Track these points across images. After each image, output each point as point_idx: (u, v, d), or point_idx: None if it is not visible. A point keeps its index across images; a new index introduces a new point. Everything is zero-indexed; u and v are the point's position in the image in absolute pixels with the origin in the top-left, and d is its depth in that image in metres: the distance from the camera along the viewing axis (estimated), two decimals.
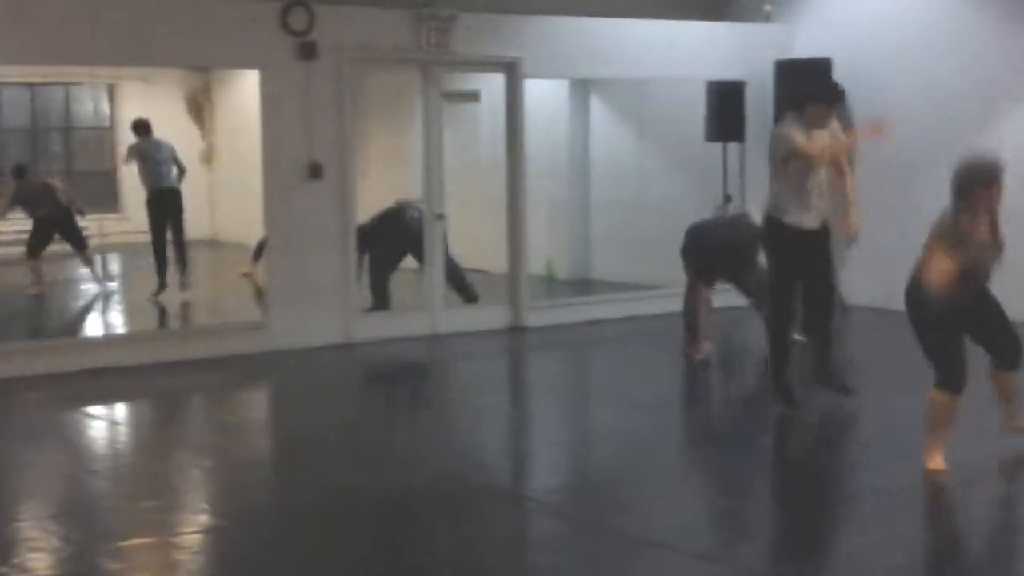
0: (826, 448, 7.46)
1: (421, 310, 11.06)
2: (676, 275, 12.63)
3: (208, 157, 16.90)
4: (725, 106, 12.24)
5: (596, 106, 13.99)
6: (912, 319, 6.50)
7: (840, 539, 5.84)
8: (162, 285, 12.55)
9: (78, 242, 12.97)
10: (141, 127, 12.87)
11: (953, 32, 11.48)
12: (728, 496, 6.53)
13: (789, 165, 7.72)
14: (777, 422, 8.18)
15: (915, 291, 6.46)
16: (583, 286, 13.51)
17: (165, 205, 12.71)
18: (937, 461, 6.49)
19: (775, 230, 7.87)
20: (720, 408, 8.80)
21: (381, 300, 11.32)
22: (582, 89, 13.84)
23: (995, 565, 5.41)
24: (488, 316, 11.31)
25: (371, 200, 11.59)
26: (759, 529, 6.01)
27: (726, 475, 6.97)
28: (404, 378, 9.99)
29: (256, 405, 9.09)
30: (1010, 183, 6.71)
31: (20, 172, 13.06)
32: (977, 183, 6.32)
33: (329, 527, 5.92)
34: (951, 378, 6.41)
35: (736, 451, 7.44)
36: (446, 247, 11.20)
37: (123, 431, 8.26)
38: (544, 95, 12.72)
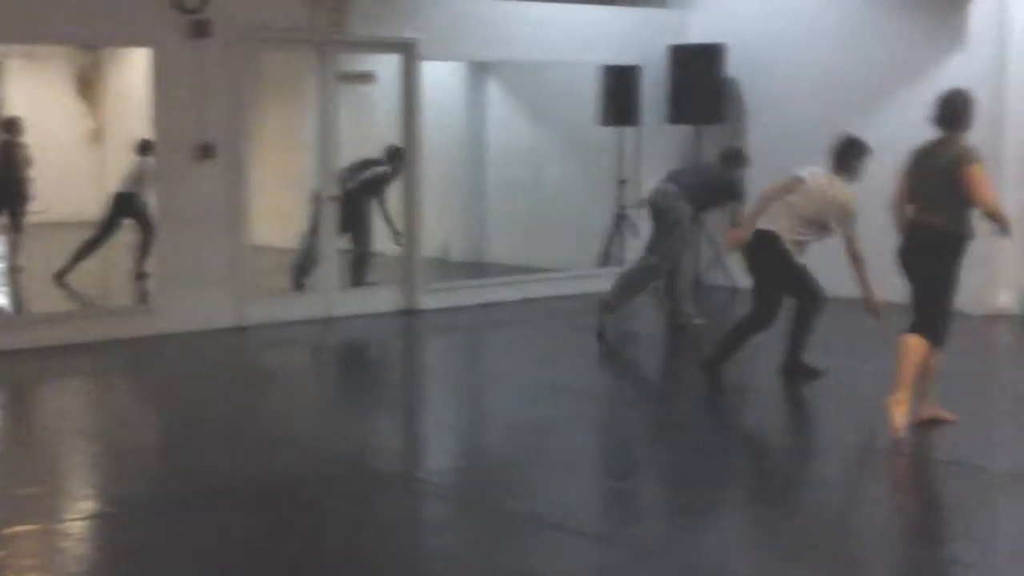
0: (722, 428, 7.56)
1: (315, 292, 10.97)
2: (571, 258, 12.78)
3: (97, 137, 16.57)
4: (619, 90, 12.33)
5: (493, 89, 13.98)
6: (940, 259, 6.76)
7: (733, 518, 5.91)
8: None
9: None
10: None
11: (845, 22, 11.67)
12: (622, 477, 6.60)
13: None
14: (672, 403, 8.28)
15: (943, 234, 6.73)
16: (478, 268, 13.51)
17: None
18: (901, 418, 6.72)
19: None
20: (616, 390, 8.86)
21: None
22: (479, 72, 13.83)
23: (884, 543, 5.53)
24: (383, 298, 11.26)
25: (265, 182, 11.46)
26: (653, 509, 6.07)
27: (621, 456, 7.03)
28: (296, 361, 9.90)
29: (141, 390, 8.93)
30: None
31: None
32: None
33: (218, 514, 5.86)
34: (939, 329, 6.81)
35: (631, 432, 7.52)
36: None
37: (0, 416, 8.09)
38: (441, 77, 12.68)
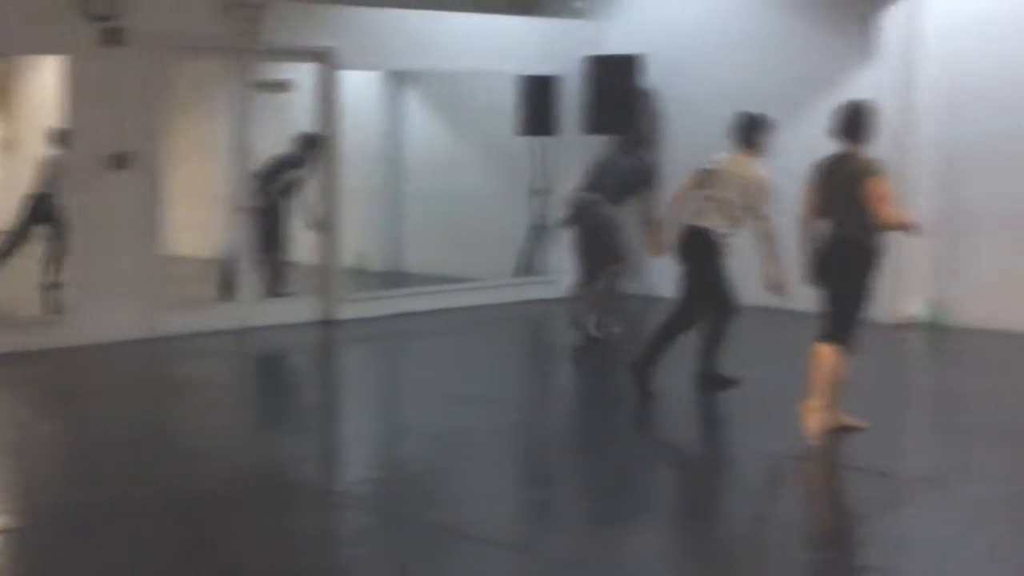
0: (639, 438, 7.61)
1: (230, 303, 10.88)
2: (489, 268, 12.79)
3: (9, 146, 16.27)
4: (536, 101, 12.38)
5: (411, 98, 13.98)
6: (852, 271, 6.86)
7: (652, 527, 5.96)
8: None
9: None
10: None
11: (760, 33, 11.82)
12: (542, 487, 6.62)
13: None
14: (587, 413, 8.33)
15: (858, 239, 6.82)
16: (396, 278, 13.49)
17: None
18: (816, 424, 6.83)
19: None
20: (532, 399, 8.89)
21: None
22: (397, 81, 13.81)
23: (797, 549, 5.60)
24: (299, 309, 11.20)
25: (181, 191, 11.35)
26: (572, 519, 6.10)
27: (538, 465, 7.06)
28: (212, 373, 9.79)
29: (52, 402, 8.79)
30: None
31: None
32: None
33: (133, 527, 5.79)
34: (850, 337, 6.90)
35: (548, 442, 7.55)
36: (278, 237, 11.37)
37: None
38: (359, 86, 12.65)
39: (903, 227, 6.89)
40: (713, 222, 7.99)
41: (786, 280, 7.83)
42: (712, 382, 8.22)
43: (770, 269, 7.90)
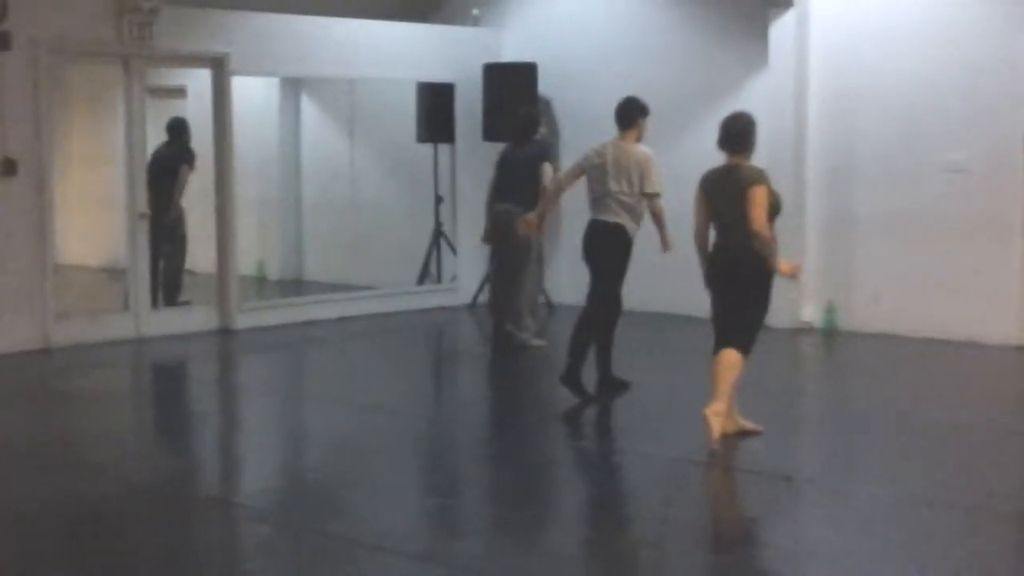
0: (540, 444, 7.61)
1: (125, 312, 10.68)
2: (390, 275, 12.74)
3: None
4: (435, 108, 12.37)
5: (307, 105, 13.87)
6: (751, 279, 6.96)
7: (554, 533, 5.96)
8: None
9: None
10: None
11: (654, 42, 11.93)
12: (443, 495, 6.58)
13: None
14: (491, 420, 8.32)
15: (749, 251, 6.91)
16: (295, 287, 13.37)
17: None
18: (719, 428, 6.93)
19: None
20: (435, 407, 8.86)
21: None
22: (293, 87, 13.69)
23: (697, 552, 5.64)
24: (196, 318, 11.04)
25: (75, 198, 11.14)
26: (474, 527, 6.08)
27: (442, 474, 7.03)
28: (105, 384, 9.59)
29: None
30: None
31: None
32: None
33: (26, 542, 5.65)
34: (753, 342, 7.04)
35: (452, 450, 7.52)
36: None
37: None
38: (254, 92, 12.53)
39: (764, 239, 6.95)
40: (622, 219, 8.13)
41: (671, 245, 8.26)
42: (610, 386, 8.29)
43: (664, 237, 8.24)
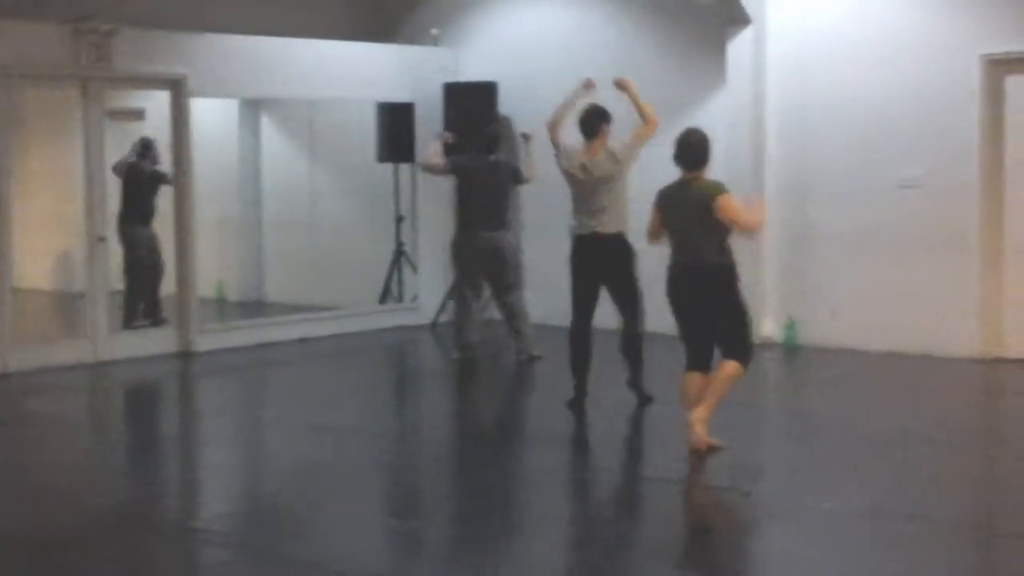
0: (501, 463, 7.60)
1: (82, 337, 10.60)
2: (352, 295, 12.71)
3: None
4: (395, 127, 12.36)
5: (267, 126, 13.84)
6: (720, 294, 7.06)
7: (513, 552, 5.95)
8: None
9: None
10: None
11: (614, 61, 11.94)
12: (405, 516, 6.56)
13: None
14: (453, 439, 8.30)
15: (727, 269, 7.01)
16: (256, 308, 13.31)
17: None
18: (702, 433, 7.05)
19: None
20: (399, 428, 8.83)
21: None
22: (252, 109, 13.66)
23: (652, 570, 5.65)
24: (155, 341, 10.98)
25: (33, 221, 11.05)
26: (436, 548, 6.06)
27: (404, 495, 7.00)
28: (62, 409, 9.50)
29: None
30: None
31: None
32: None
33: None
34: (751, 350, 7.12)
35: (414, 471, 7.50)
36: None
37: None
38: (213, 113, 12.49)
39: (761, 225, 7.12)
40: (620, 226, 8.31)
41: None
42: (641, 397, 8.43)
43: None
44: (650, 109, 8.40)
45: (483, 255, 10.14)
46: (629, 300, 8.39)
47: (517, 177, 10.33)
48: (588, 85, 8.87)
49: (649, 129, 8.35)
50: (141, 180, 11.55)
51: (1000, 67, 9.92)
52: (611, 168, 8.36)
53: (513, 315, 10.17)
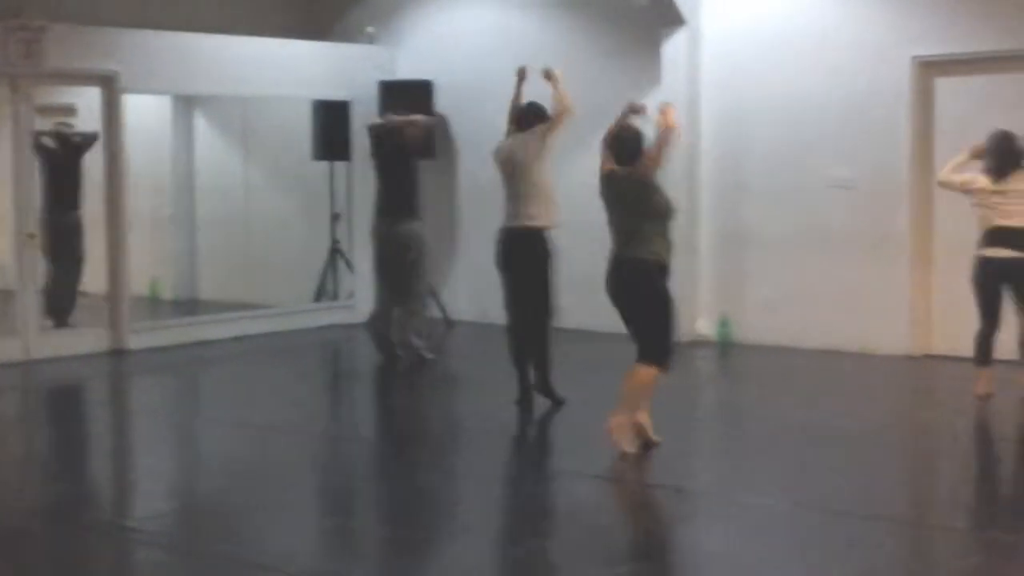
0: (440, 462, 7.60)
1: (12, 335, 10.45)
2: (287, 293, 12.64)
3: None
4: (331, 125, 12.31)
5: (201, 123, 13.71)
6: (651, 294, 7.03)
7: (453, 551, 5.96)
8: None
9: None
10: None
11: (548, 58, 11.93)
12: (340, 515, 6.54)
13: None
14: (388, 438, 8.29)
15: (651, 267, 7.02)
16: (189, 306, 13.19)
17: None
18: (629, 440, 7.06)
19: None
20: (333, 427, 8.80)
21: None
22: (186, 105, 13.53)
23: (590, 567, 5.68)
24: (87, 339, 10.85)
25: None
26: (370, 547, 6.05)
27: (338, 494, 6.98)
28: None
29: None
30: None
31: None
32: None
33: None
34: (669, 353, 7.07)
35: (348, 470, 7.48)
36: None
37: None
38: (146, 110, 12.36)
39: (672, 132, 7.26)
40: (539, 221, 8.27)
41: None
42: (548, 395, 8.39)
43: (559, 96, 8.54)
44: (568, 98, 8.45)
45: (386, 244, 10.12)
46: (536, 298, 8.33)
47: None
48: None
49: (562, 117, 8.39)
50: (68, 151, 11.27)
51: (930, 69, 10.07)
52: (523, 155, 8.33)
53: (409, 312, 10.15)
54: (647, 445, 7.20)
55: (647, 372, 7.08)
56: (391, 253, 10.02)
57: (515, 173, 8.33)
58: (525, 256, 8.29)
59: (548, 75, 8.52)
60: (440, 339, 11.35)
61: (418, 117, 10.37)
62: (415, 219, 10.09)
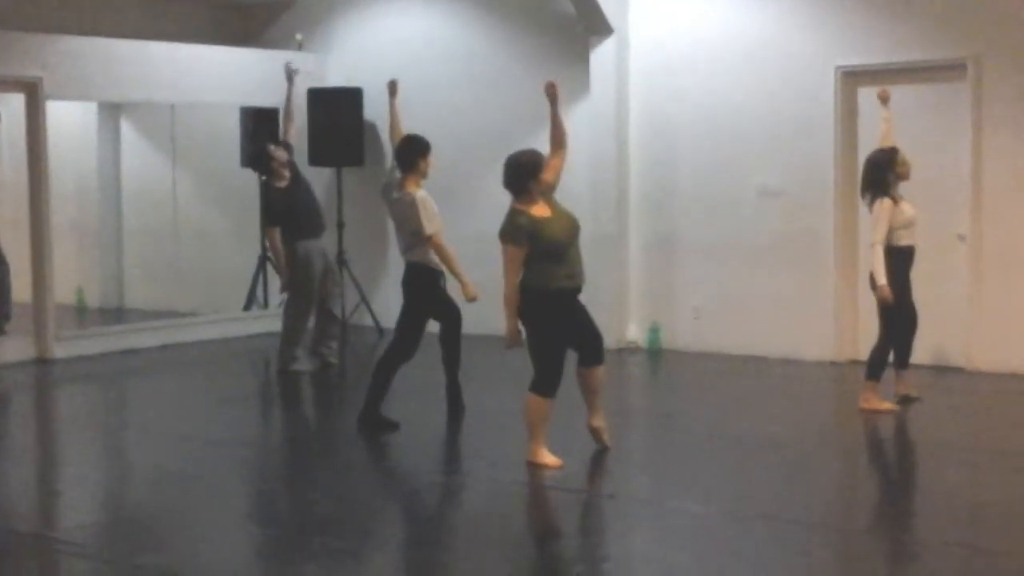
0: (365, 471, 7.58)
1: None
2: (216, 302, 12.54)
3: None
4: (259, 132, 12.24)
5: (127, 130, 13.58)
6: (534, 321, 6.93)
7: (380, 561, 5.94)
8: None
9: None
10: None
11: (479, 68, 12.05)
12: (267, 525, 6.50)
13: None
14: (314, 447, 8.24)
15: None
16: (116, 314, 13.06)
17: None
18: (543, 455, 7.03)
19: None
20: (261, 436, 8.74)
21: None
22: (112, 112, 13.39)
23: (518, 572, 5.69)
24: (10, 348, 10.70)
25: None
26: (298, 556, 6.00)
27: (265, 504, 6.93)
28: None
29: None
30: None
31: None
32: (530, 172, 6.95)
33: None
34: (552, 382, 6.94)
35: (276, 479, 7.43)
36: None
37: None
38: (71, 117, 12.22)
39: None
40: (419, 254, 8.12)
41: (473, 293, 8.11)
42: (372, 424, 8.19)
43: (461, 286, 8.11)
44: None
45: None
46: (397, 325, 8.28)
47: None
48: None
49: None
50: None
51: (854, 79, 10.22)
52: (410, 220, 8.07)
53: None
54: (601, 449, 7.34)
55: (528, 398, 7.09)
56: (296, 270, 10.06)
57: (403, 227, 8.21)
58: (407, 285, 8.25)
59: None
60: (373, 347, 11.33)
61: (276, 150, 10.23)
62: (311, 237, 10.09)
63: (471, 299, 8.11)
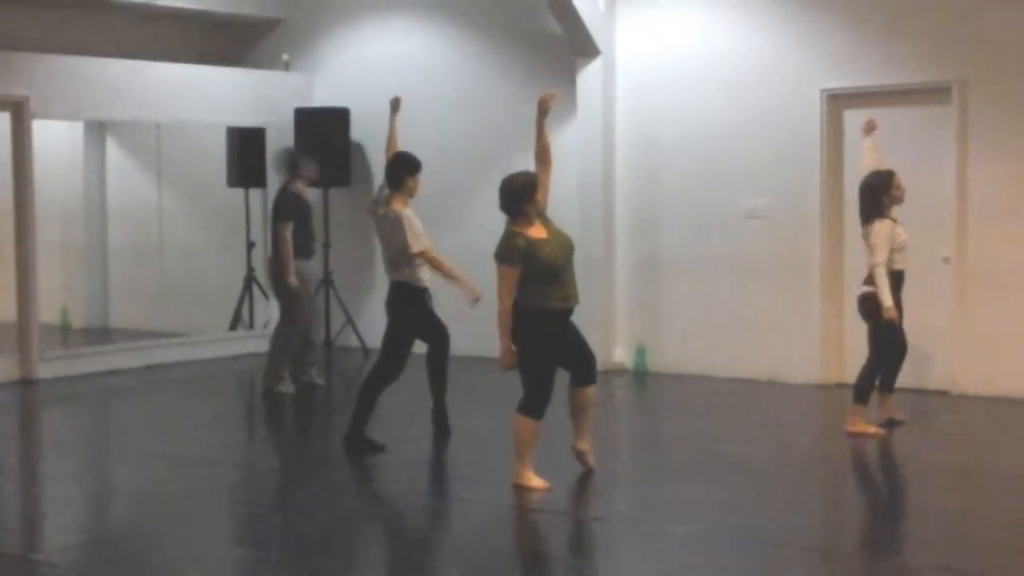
0: (351, 492, 7.55)
1: None
2: (200, 322, 12.51)
3: None
4: (246, 152, 12.25)
5: (113, 149, 13.56)
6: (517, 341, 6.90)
7: None
8: None
9: None
10: None
11: (466, 88, 12.07)
12: (252, 545, 6.47)
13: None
14: (300, 468, 8.22)
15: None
16: (101, 335, 13.01)
17: None
18: (530, 478, 7.00)
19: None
20: (246, 457, 8.71)
21: None
22: (98, 131, 13.38)
23: None
24: None
25: None
26: None
27: (250, 525, 6.90)
28: None
29: None
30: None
31: None
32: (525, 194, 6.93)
33: None
34: (541, 403, 6.93)
35: (261, 500, 7.40)
36: None
37: None
38: (57, 136, 12.20)
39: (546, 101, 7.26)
40: (404, 274, 8.10)
41: (475, 289, 8.03)
42: (358, 446, 8.15)
43: (462, 289, 8.06)
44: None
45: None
46: (383, 345, 8.25)
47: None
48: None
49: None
50: None
51: (839, 101, 10.27)
52: (397, 239, 8.08)
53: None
54: (586, 472, 7.32)
55: (516, 419, 7.08)
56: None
57: (389, 244, 8.21)
58: (392, 305, 8.24)
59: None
60: (359, 368, 11.32)
61: (309, 165, 10.35)
62: (305, 257, 10.13)
63: (475, 299, 8.03)
